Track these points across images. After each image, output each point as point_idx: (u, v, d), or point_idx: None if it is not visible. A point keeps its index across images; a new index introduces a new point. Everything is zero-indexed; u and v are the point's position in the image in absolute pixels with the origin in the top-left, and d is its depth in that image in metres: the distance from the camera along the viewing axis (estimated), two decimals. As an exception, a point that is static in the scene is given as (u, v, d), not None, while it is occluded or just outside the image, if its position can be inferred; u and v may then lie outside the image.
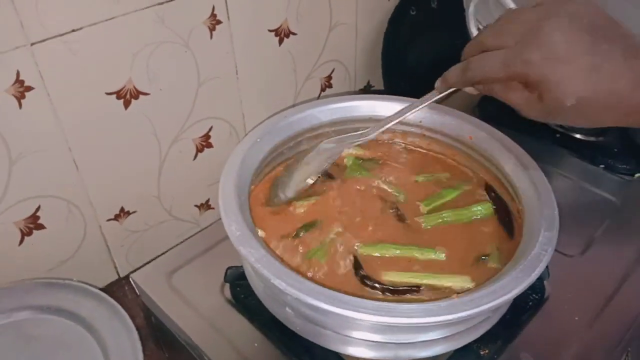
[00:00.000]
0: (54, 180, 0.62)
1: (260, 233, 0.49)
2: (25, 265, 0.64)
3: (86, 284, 0.62)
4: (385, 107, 0.56)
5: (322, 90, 0.88)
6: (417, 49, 0.90)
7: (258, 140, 0.50)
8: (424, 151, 0.58)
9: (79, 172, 0.63)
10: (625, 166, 0.69)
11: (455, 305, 0.37)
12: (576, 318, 0.52)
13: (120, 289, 0.74)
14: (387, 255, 0.47)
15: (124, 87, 0.62)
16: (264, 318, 0.50)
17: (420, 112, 0.56)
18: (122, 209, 0.70)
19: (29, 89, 0.55)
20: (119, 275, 0.75)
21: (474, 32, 0.71)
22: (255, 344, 0.49)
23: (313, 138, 0.56)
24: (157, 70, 0.64)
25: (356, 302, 0.36)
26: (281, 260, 0.39)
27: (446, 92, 0.46)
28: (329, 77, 0.87)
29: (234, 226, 0.41)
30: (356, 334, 0.40)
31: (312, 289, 0.37)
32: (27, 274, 0.64)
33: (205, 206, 0.81)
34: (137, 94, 0.64)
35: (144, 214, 0.73)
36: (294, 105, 0.85)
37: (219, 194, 0.44)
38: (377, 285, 0.45)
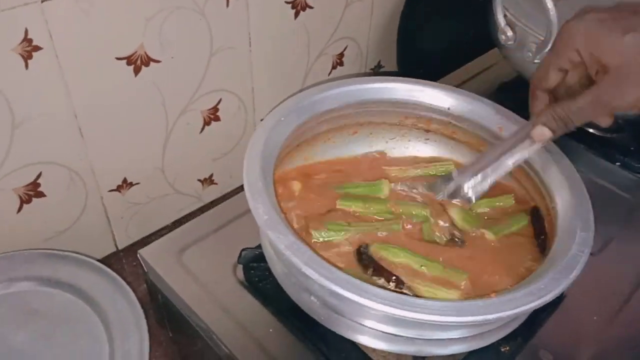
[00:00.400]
0: (57, 147, 0.59)
1: (295, 185, 0.48)
2: (22, 234, 0.62)
3: (86, 255, 0.59)
4: (411, 90, 0.54)
5: (333, 67, 0.85)
6: (433, 30, 0.87)
7: (282, 119, 0.47)
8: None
9: (83, 139, 0.60)
10: (641, 165, 0.68)
11: (494, 305, 0.35)
12: (595, 317, 0.51)
13: (118, 262, 0.71)
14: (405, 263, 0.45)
15: (135, 53, 0.59)
16: (280, 304, 0.48)
17: (449, 99, 0.55)
18: (125, 180, 0.68)
19: (37, 48, 0.52)
20: (117, 247, 0.73)
21: (500, 19, 0.69)
22: (270, 330, 0.47)
23: (336, 119, 0.54)
24: (170, 37, 0.61)
25: (394, 297, 0.35)
26: (310, 247, 0.38)
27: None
28: (341, 55, 0.85)
29: (262, 209, 0.39)
30: (383, 327, 0.39)
31: (345, 280, 0.35)
32: (23, 243, 0.62)
33: (209, 181, 0.78)
34: (148, 60, 0.61)
35: (147, 186, 0.71)
36: (304, 85, 0.82)
37: (244, 176, 0.42)
38: (370, 263, 0.43)
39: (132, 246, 0.74)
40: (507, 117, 0.52)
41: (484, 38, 0.79)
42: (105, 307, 0.53)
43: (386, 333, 0.39)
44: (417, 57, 0.86)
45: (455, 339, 0.40)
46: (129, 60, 0.59)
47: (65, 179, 0.61)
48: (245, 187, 0.41)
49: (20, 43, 0.51)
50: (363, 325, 0.40)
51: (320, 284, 0.35)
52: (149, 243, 0.58)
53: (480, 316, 0.35)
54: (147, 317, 0.55)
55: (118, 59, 0.58)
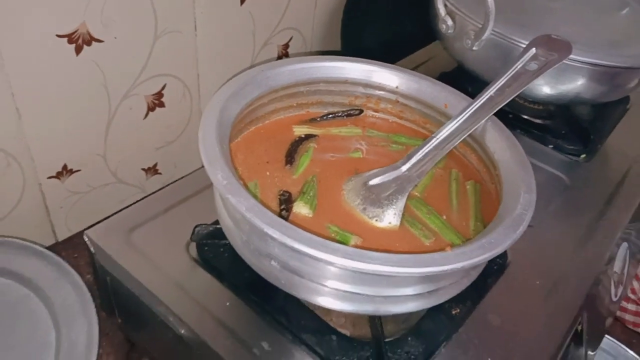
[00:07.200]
0: (-8, 128, 0.56)
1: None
2: (-48, 223, 0.58)
3: (28, 241, 0.56)
4: (362, 70, 0.56)
5: (279, 58, 0.86)
6: (375, 23, 0.90)
7: (238, 91, 0.47)
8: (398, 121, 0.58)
9: (21, 121, 0.57)
10: (572, 147, 0.73)
11: (449, 257, 0.37)
12: (537, 282, 0.54)
13: (57, 254, 0.68)
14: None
15: (76, 31, 0.57)
16: (236, 278, 0.48)
17: (397, 78, 0.56)
18: (65, 167, 0.65)
19: (-29, 21, 0.49)
20: (56, 239, 0.69)
21: (440, 9, 0.72)
22: (227, 304, 0.47)
23: (288, 97, 0.54)
24: (114, 15, 0.59)
25: (355, 252, 0.35)
26: (271, 210, 0.38)
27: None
28: (286, 46, 0.85)
29: (220, 174, 0.39)
30: (342, 286, 0.39)
31: (307, 238, 0.35)
32: (-46, 232, 0.58)
33: (153, 171, 0.76)
34: (90, 40, 0.59)
35: (88, 174, 0.68)
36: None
37: (199, 143, 0.41)
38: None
39: (71, 239, 0.71)
40: (453, 95, 0.55)
41: (424, 31, 0.82)
42: (49, 293, 0.51)
43: (345, 292, 0.40)
44: (360, 49, 0.89)
45: (410, 295, 0.41)
46: (71, 38, 0.57)
47: (2, 164, 0.58)
48: (202, 153, 0.40)
49: (-47, 13, 0.48)
50: (323, 285, 0.40)
51: (282, 243, 0.35)
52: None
53: (438, 267, 0.36)
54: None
55: (59, 36, 0.56)
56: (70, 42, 0.57)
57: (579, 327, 0.54)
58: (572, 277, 0.55)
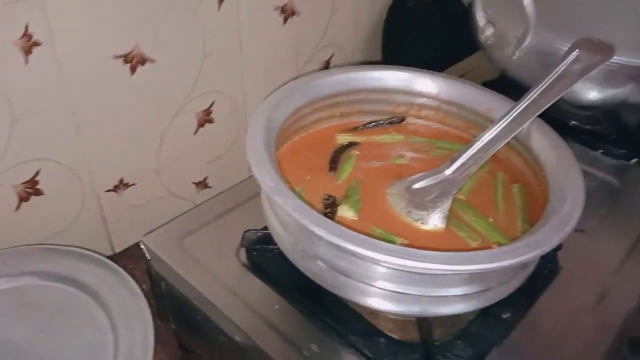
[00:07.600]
0: (55, 144, 0.60)
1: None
2: (18, 234, 0.61)
3: (87, 249, 0.59)
4: (402, 78, 0.57)
5: (321, 73, 0.88)
6: (416, 39, 0.91)
7: (283, 100, 0.49)
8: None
9: (81, 137, 0.61)
10: (622, 151, 0.71)
11: (496, 255, 0.37)
12: (588, 287, 0.53)
13: (114, 265, 0.71)
14: None
15: (131, 52, 0.61)
16: (284, 282, 0.49)
17: (438, 84, 0.57)
18: (121, 181, 0.68)
19: (37, 44, 0.53)
20: (113, 251, 0.72)
21: (480, 19, 0.72)
22: (276, 307, 0.48)
23: (331, 107, 0.56)
24: (165, 37, 0.63)
25: (401, 249, 0.36)
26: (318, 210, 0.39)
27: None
28: (328, 62, 0.87)
29: (267, 177, 0.40)
30: (389, 286, 0.40)
31: (353, 236, 0.36)
32: (21, 242, 0.61)
33: (203, 184, 0.79)
34: (143, 60, 0.62)
35: (143, 188, 0.71)
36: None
37: (247, 147, 0.43)
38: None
39: (127, 250, 0.74)
40: (495, 98, 0.55)
41: (466, 42, 0.83)
42: (107, 298, 0.53)
43: (392, 292, 0.40)
44: (402, 61, 0.90)
45: (457, 296, 0.41)
46: (126, 59, 0.61)
47: (63, 178, 0.62)
48: (250, 158, 0.42)
49: (21, 38, 0.52)
50: (370, 285, 0.40)
51: (329, 241, 0.36)
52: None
53: (484, 265, 0.36)
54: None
55: (115, 57, 0.60)
56: (125, 62, 0.61)
57: None
58: (624, 282, 0.54)
